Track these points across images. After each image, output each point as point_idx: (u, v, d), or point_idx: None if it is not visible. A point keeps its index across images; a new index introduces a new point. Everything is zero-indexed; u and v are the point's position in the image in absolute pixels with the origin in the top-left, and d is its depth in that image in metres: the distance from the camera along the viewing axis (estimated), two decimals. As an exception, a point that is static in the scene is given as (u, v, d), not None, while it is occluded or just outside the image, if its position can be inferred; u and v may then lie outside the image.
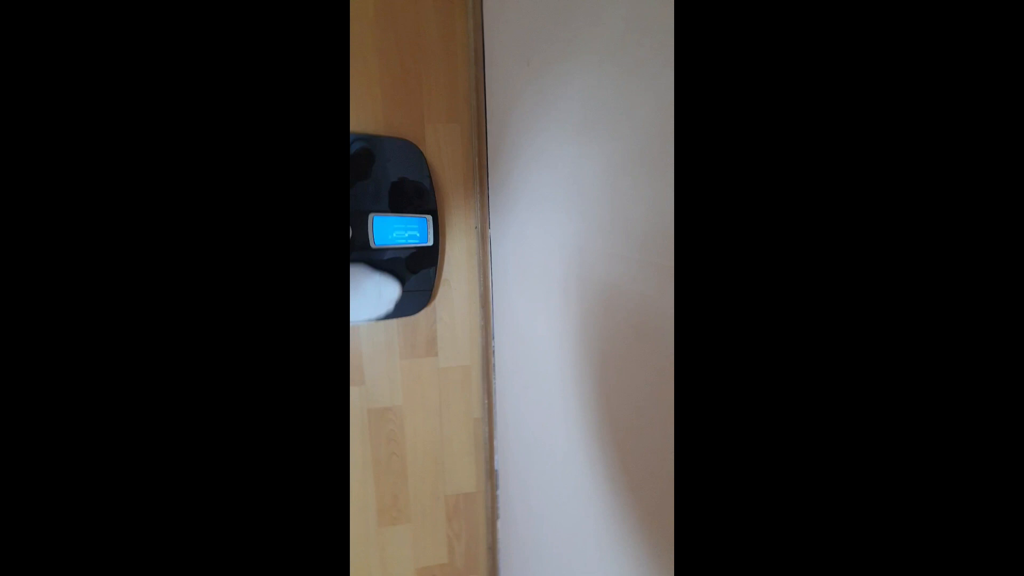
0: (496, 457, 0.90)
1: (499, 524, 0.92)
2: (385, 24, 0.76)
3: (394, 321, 0.87)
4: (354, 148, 0.78)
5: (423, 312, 0.86)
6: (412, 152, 0.80)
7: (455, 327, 0.89)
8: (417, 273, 0.84)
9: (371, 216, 0.80)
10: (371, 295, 0.83)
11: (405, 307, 0.85)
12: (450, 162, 0.83)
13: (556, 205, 0.48)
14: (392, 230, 0.81)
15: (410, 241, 0.82)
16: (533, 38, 0.50)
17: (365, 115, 0.79)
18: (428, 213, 0.82)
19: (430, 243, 0.83)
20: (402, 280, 0.84)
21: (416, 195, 0.81)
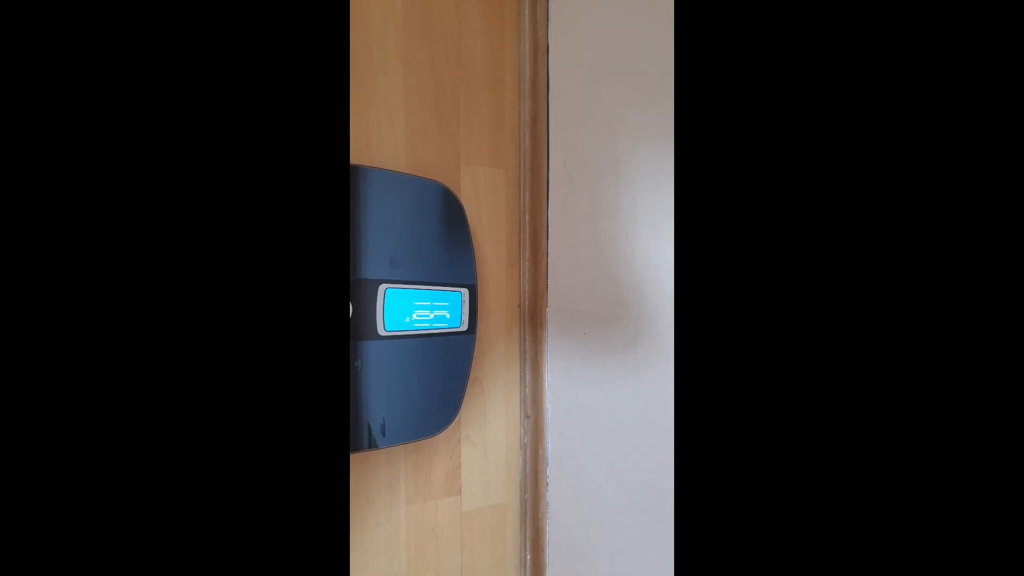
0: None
1: None
2: (417, 28, 0.56)
3: (399, 449, 0.57)
4: (360, 189, 0.52)
5: (444, 432, 0.58)
6: (446, 200, 0.57)
7: (487, 449, 0.62)
8: (438, 373, 0.58)
9: (382, 288, 0.53)
10: (365, 412, 0.53)
11: (418, 425, 0.57)
12: (491, 218, 0.61)
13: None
14: (411, 308, 0.55)
15: (436, 325, 0.56)
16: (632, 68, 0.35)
17: (380, 144, 0.55)
18: (464, 286, 0.58)
19: (464, 328, 0.58)
20: (415, 383, 0.56)
21: (449, 260, 0.57)
